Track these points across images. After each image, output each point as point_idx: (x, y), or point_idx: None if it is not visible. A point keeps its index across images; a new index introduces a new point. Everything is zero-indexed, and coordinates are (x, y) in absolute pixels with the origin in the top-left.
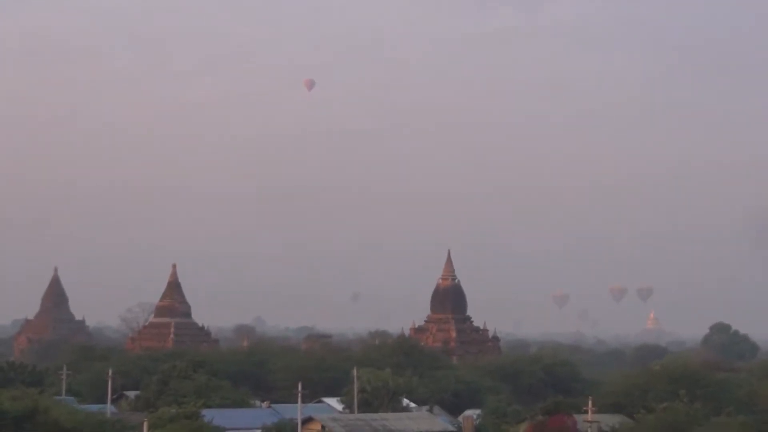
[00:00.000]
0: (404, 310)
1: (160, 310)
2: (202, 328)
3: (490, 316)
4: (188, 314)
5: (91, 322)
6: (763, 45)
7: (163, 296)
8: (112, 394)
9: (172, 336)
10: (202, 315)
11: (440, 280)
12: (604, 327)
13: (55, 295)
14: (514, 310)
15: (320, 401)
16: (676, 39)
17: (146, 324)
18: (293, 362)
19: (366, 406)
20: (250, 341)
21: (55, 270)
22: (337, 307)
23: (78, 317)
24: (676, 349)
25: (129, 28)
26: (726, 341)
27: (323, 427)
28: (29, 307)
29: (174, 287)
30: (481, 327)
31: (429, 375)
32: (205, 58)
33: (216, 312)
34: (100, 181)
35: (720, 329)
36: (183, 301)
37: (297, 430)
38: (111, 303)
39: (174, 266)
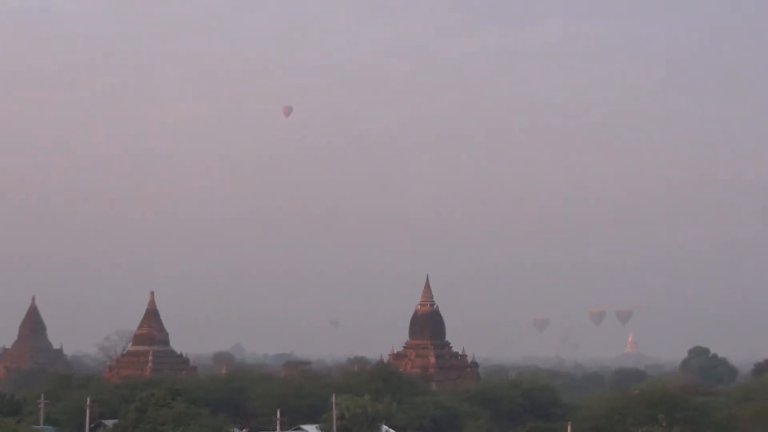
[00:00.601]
0: (383, 337)
1: (138, 339)
2: (181, 355)
3: (469, 341)
4: (166, 342)
5: (69, 351)
6: (753, 56)
7: (141, 324)
8: (91, 423)
9: (150, 364)
10: (181, 343)
11: (419, 306)
12: (585, 351)
13: (33, 324)
14: (495, 335)
15: (299, 428)
16: (665, 54)
17: (124, 352)
18: (272, 389)
19: None
20: (228, 368)
21: (33, 299)
22: (316, 333)
23: (56, 346)
24: (654, 372)
25: (111, 53)
26: (704, 365)
27: None
28: (7, 336)
29: (152, 315)
30: (460, 352)
31: (408, 401)
32: (185, 81)
33: (195, 340)
34: (78, 208)
35: (698, 353)
36: (161, 329)
37: None
38: (89, 331)
39: (152, 294)
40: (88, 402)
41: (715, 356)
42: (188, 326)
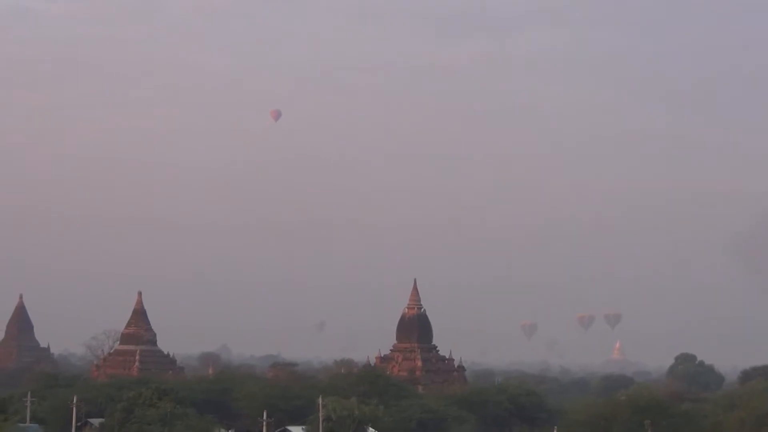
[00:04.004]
0: (370, 339)
1: (125, 338)
2: (168, 355)
3: (457, 345)
4: (154, 342)
5: (56, 350)
6: (731, 73)
7: (129, 324)
8: (77, 422)
9: (137, 364)
10: (168, 343)
11: (406, 310)
12: (572, 356)
13: (20, 323)
14: (483, 340)
15: (285, 430)
16: (643, 68)
17: (111, 351)
18: (259, 390)
19: None
20: (215, 369)
21: (20, 297)
22: (303, 335)
23: (43, 344)
24: (641, 379)
25: (90, 57)
26: (691, 371)
27: None
28: None
29: (139, 315)
30: (447, 356)
31: (395, 404)
32: (166, 86)
33: (181, 340)
34: (66, 208)
35: (685, 359)
36: (148, 328)
37: None
38: (77, 330)
39: (139, 294)
40: (74, 400)
41: (702, 363)
42: (175, 326)
